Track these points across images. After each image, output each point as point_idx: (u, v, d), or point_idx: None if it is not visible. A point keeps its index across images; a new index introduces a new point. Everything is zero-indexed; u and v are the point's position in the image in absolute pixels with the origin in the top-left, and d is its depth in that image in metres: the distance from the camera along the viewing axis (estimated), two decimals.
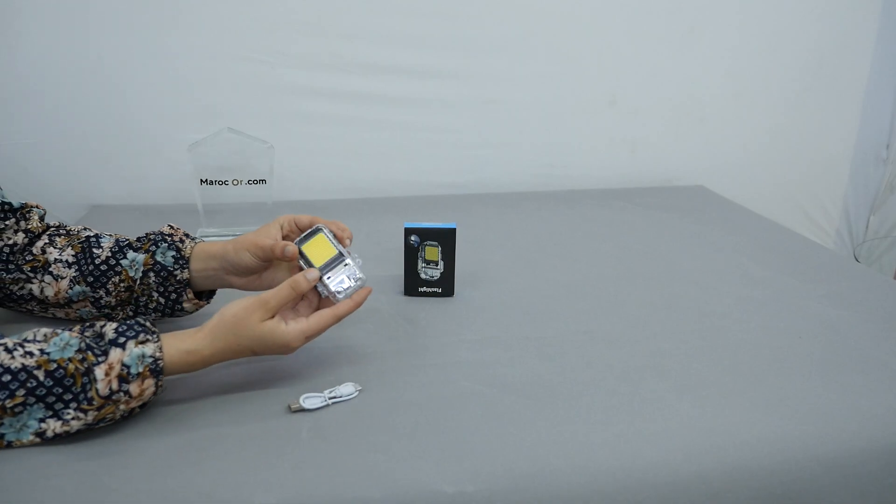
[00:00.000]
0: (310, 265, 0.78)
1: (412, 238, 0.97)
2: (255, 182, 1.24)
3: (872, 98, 1.70)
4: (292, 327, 0.72)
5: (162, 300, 0.83)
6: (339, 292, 0.77)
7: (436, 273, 0.99)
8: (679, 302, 1.00)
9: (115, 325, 0.68)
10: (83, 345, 0.65)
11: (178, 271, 0.82)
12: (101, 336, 0.67)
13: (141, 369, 0.66)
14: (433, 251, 0.98)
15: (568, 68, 1.51)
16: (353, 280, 0.77)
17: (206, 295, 0.87)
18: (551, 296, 1.02)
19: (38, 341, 0.66)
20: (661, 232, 1.30)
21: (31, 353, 0.64)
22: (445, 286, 1.00)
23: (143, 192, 1.41)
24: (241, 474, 0.63)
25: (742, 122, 1.65)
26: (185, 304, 0.84)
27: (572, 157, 1.59)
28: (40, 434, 0.64)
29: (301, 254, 0.78)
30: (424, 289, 1.00)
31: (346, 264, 0.78)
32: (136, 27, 1.30)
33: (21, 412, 0.63)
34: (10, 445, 0.64)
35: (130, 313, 0.85)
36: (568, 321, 0.94)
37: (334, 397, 0.74)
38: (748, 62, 1.60)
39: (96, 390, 0.64)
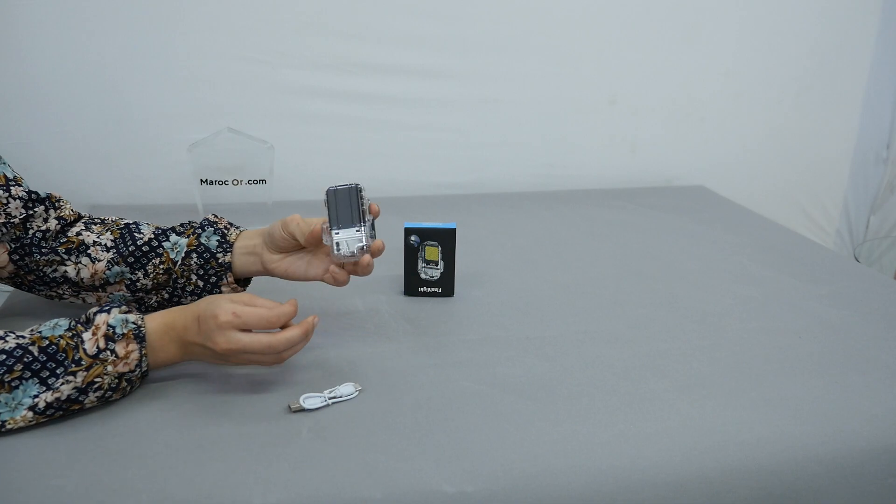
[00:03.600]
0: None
1: (412, 238, 0.97)
2: (255, 182, 1.24)
3: (872, 98, 1.70)
4: (229, 304, 0.71)
5: (201, 283, 0.86)
6: (338, 244, 0.79)
7: (436, 273, 0.99)
8: (679, 302, 1.00)
9: (98, 305, 0.72)
10: (72, 323, 0.69)
11: (220, 254, 0.85)
12: (88, 318, 0.70)
13: (125, 331, 0.69)
14: (433, 251, 0.98)
15: (568, 68, 1.51)
16: (353, 246, 0.79)
17: (244, 282, 0.89)
18: (551, 296, 1.02)
19: (29, 329, 0.69)
20: (661, 232, 1.30)
21: (23, 336, 0.67)
22: (445, 286, 1.00)
23: (143, 192, 1.41)
24: (241, 474, 0.63)
25: (742, 122, 1.65)
26: (224, 288, 0.86)
27: (572, 157, 1.59)
28: (33, 408, 0.66)
29: (328, 197, 0.81)
30: (424, 289, 1.00)
31: (357, 230, 0.80)
32: (136, 27, 1.30)
33: (17, 387, 0.65)
34: (3, 426, 0.65)
35: (165, 296, 0.87)
36: (568, 321, 0.94)
37: (334, 397, 0.74)
38: (748, 62, 1.60)
39: (84, 350, 0.67)
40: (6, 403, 0.65)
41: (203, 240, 0.86)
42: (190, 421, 0.70)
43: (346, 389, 0.75)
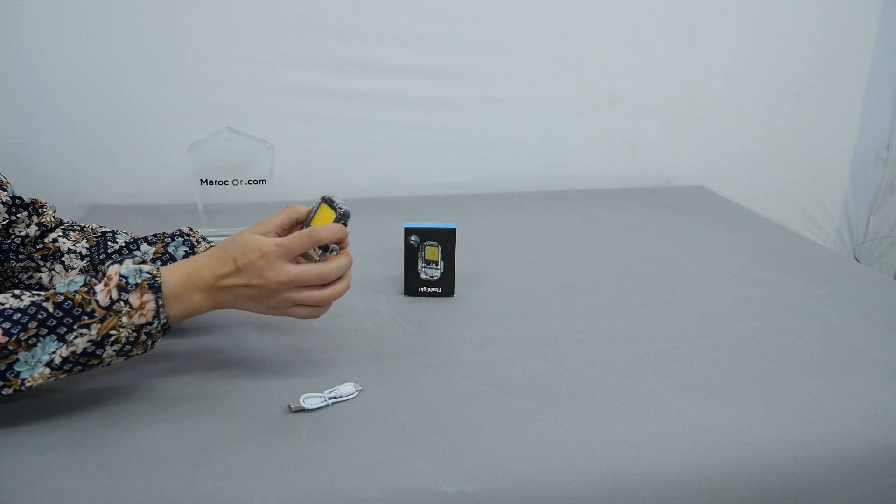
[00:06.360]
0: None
1: (412, 238, 0.97)
2: (255, 182, 1.24)
3: (872, 98, 1.70)
4: (270, 238, 0.71)
5: None
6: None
7: (436, 273, 0.99)
8: (679, 302, 1.00)
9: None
10: (87, 278, 0.67)
11: None
12: (102, 272, 0.69)
13: (139, 280, 0.67)
14: (433, 251, 0.98)
15: (568, 68, 1.51)
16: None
17: None
18: (551, 296, 1.02)
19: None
20: (661, 232, 1.30)
21: (38, 294, 0.66)
22: (445, 286, 1.00)
23: (143, 192, 1.41)
24: (241, 474, 0.63)
25: (742, 122, 1.65)
26: None
27: (572, 157, 1.59)
28: (49, 364, 0.64)
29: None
30: (424, 289, 1.00)
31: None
32: (136, 27, 1.30)
33: (34, 345, 0.64)
34: (23, 384, 0.64)
35: None
36: (568, 321, 0.94)
37: (334, 397, 0.74)
38: (748, 62, 1.60)
39: (96, 301, 0.65)
40: (26, 362, 0.64)
41: (171, 249, 0.86)
42: (190, 421, 0.70)
43: (346, 389, 0.75)
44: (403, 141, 1.49)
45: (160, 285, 0.68)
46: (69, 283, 0.66)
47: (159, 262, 0.85)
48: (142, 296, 0.67)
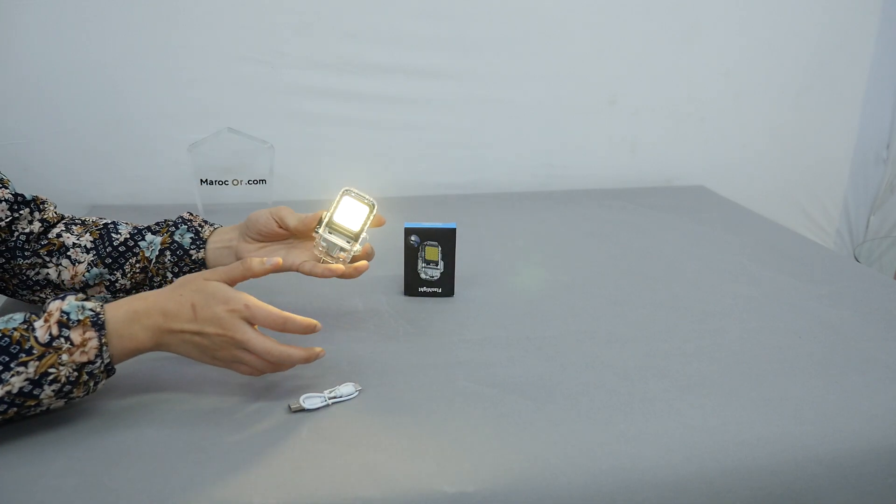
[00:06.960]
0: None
1: (412, 238, 0.97)
2: (255, 182, 1.24)
3: (872, 98, 1.70)
4: (239, 293, 0.69)
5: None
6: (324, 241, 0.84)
7: (436, 273, 0.99)
8: (679, 302, 1.00)
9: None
10: (27, 315, 0.64)
11: (193, 251, 0.86)
12: (43, 309, 0.66)
13: (81, 317, 0.64)
14: (433, 251, 0.98)
15: (568, 68, 1.51)
16: (334, 251, 0.84)
17: None
18: (551, 296, 1.02)
19: None
20: (661, 232, 1.30)
21: None
22: (445, 286, 1.00)
23: (143, 192, 1.41)
24: (241, 474, 0.63)
25: (742, 122, 1.65)
26: None
27: (572, 157, 1.59)
28: None
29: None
30: (424, 289, 1.00)
31: (347, 242, 0.85)
32: (136, 27, 1.30)
33: None
34: None
35: None
36: (568, 321, 0.94)
37: (334, 397, 0.74)
38: (748, 62, 1.60)
39: (35, 338, 0.62)
40: None
41: (177, 237, 0.87)
42: (190, 421, 0.70)
43: (346, 389, 0.75)
44: (403, 141, 1.49)
45: (104, 323, 0.65)
46: (7, 321, 0.63)
47: (168, 253, 0.86)
48: (84, 333, 0.64)
